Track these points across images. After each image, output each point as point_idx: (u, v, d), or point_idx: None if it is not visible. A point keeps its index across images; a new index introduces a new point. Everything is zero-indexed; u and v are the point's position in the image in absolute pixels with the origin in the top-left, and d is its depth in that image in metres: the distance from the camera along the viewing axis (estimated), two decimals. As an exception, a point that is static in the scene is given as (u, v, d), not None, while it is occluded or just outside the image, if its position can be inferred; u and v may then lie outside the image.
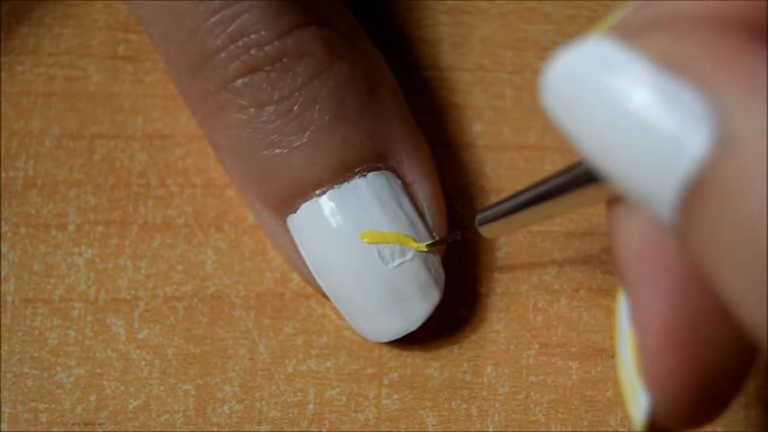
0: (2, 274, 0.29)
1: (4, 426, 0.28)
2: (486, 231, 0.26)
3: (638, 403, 0.21)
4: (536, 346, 0.29)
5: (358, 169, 0.28)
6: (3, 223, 0.30)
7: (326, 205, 0.27)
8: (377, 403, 0.29)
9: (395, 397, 0.29)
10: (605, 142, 0.18)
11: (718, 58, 0.16)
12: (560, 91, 0.18)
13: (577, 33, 0.32)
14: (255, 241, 0.30)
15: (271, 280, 0.30)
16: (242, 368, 0.29)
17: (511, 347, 0.30)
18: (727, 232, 0.16)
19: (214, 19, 0.26)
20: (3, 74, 0.31)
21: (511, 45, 0.32)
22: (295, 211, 0.28)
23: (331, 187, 0.27)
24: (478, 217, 0.26)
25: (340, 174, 0.27)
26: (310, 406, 0.29)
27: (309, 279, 0.28)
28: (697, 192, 0.16)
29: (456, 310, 0.30)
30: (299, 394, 0.29)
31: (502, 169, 0.31)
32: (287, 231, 0.28)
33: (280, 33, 0.27)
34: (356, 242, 0.27)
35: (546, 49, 0.32)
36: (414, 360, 0.29)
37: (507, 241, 0.30)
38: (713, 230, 0.16)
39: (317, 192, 0.27)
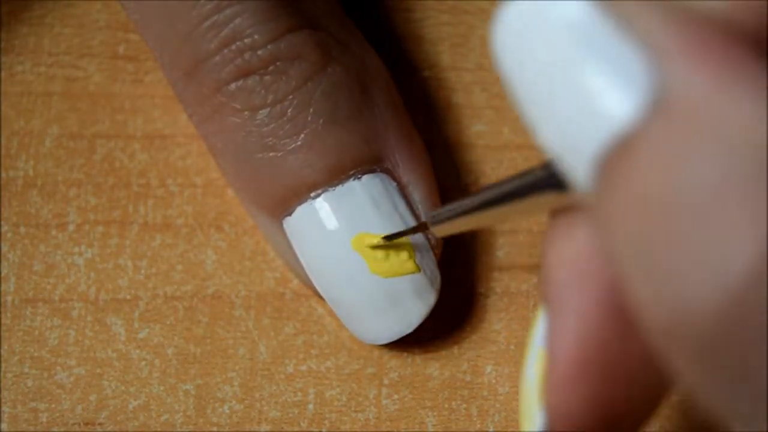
0: (2, 274, 0.30)
1: (4, 426, 0.28)
2: (438, 230, 0.25)
3: (533, 421, 0.20)
4: (536, 346, 0.29)
5: (352, 172, 0.27)
6: (3, 223, 0.30)
7: (321, 207, 0.27)
8: (377, 403, 0.29)
9: (395, 397, 0.29)
10: (537, 91, 0.17)
11: (669, 24, 0.15)
12: (508, 33, 0.17)
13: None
14: (255, 241, 0.30)
15: (271, 280, 0.30)
16: (242, 368, 0.29)
17: (511, 347, 0.29)
18: (641, 210, 0.15)
19: (207, 23, 0.26)
20: (3, 74, 0.31)
21: (511, 44, 0.32)
22: (290, 214, 0.28)
23: (326, 190, 0.27)
24: (431, 216, 0.25)
25: (334, 176, 0.27)
26: (310, 406, 0.29)
27: (306, 281, 0.28)
28: (618, 157, 0.15)
29: (456, 310, 0.30)
30: (299, 394, 0.29)
31: (502, 169, 0.31)
32: (283, 233, 0.28)
33: (273, 36, 0.27)
34: (351, 244, 0.27)
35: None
36: (414, 360, 0.29)
37: (507, 241, 0.30)
38: (627, 204, 0.15)
39: (312, 194, 0.27)
